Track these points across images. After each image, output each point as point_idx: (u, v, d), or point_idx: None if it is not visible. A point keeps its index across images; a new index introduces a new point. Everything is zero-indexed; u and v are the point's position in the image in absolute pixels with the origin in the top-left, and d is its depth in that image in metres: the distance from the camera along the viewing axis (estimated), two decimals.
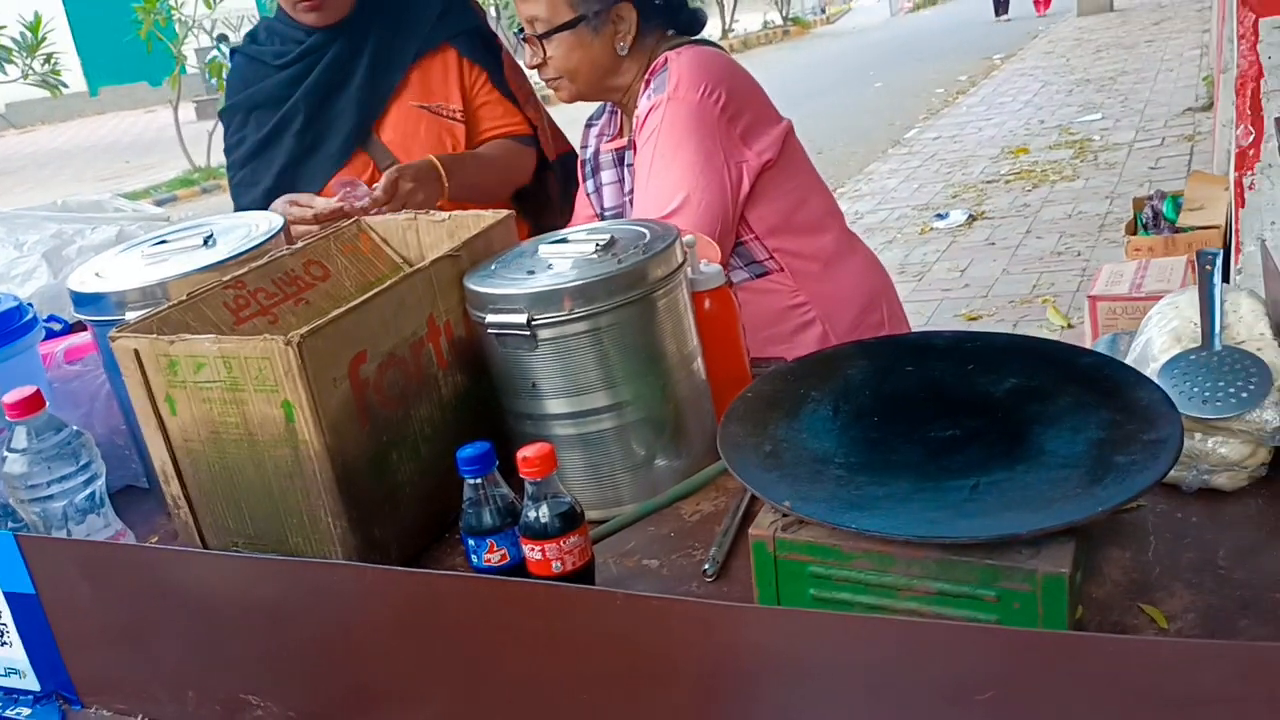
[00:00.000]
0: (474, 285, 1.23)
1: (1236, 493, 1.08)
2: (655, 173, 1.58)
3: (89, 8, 20.42)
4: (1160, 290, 3.33)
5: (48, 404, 1.06)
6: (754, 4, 22.90)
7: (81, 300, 1.36)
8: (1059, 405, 0.99)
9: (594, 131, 1.81)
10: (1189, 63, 10.69)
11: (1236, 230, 2.11)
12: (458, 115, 1.94)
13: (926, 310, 5.03)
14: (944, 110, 10.97)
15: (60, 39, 17.12)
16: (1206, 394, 1.08)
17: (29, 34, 15.00)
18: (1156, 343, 1.18)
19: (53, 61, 15.53)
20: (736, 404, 1.07)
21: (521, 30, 1.65)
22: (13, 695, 1.07)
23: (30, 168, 16.84)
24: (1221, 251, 1.24)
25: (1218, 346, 1.12)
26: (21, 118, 22.42)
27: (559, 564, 0.99)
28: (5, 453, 1.05)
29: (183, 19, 12.79)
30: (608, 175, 1.72)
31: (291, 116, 1.96)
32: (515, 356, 1.21)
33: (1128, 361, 1.12)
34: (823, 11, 27.12)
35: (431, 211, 1.48)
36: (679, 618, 0.77)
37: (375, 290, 1.18)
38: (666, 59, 1.60)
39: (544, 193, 2.15)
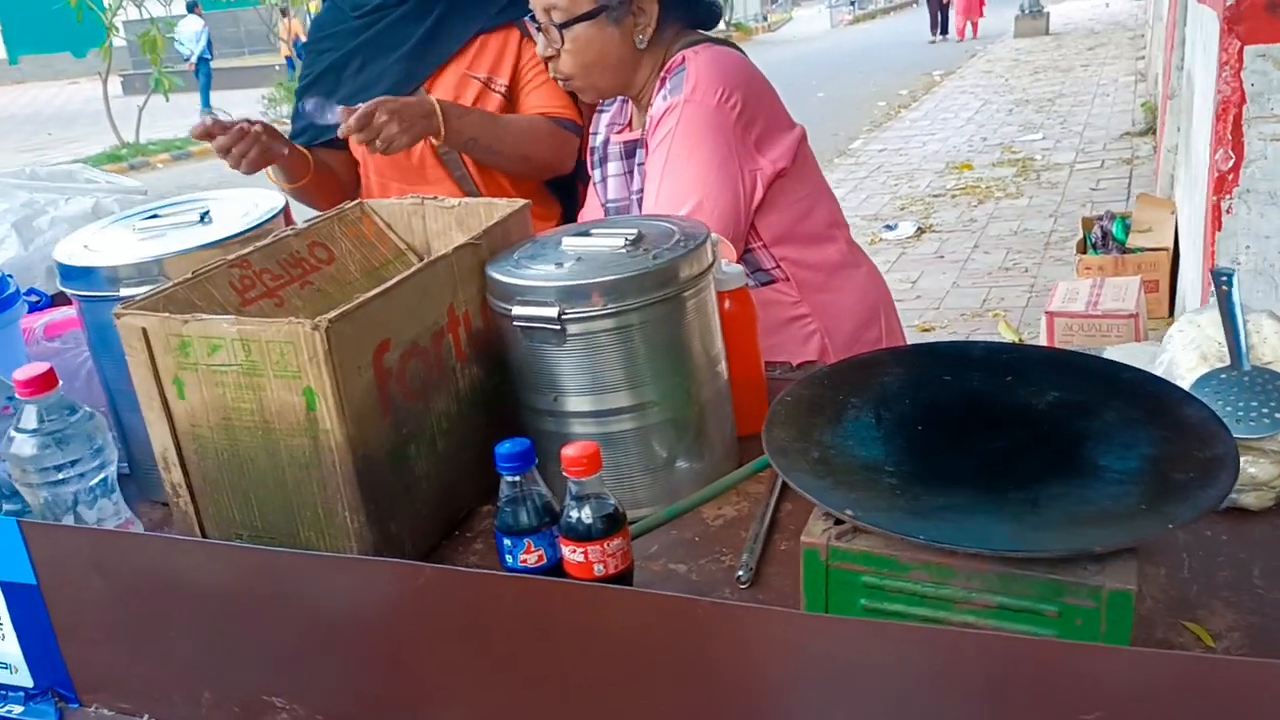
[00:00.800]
0: (501, 275, 1.18)
1: (1263, 512, 1.10)
2: (668, 176, 1.54)
3: None
4: (1117, 309, 3.41)
5: (60, 383, 0.99)
6: None
7: (71, 273, 1.29)
8: (1106, 421, 0.99)
9: (604, 119, 1.76)
10: (1124, 88, 11.01)
11: (1212, 253, 2.16)
12: (502, 89, 1.97)
13: None
14: (887, 123, 11.13)
15: None
16: (1240, 413, 1.08)
17: None
18: (1183, 361, 1.18)
19: None
20: (777, 408, 1.04)
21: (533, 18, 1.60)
22: (4, 692, 1.00)
23: None
24: (1236, 270, 1.26)
25: (1246, 366, 1.13)
26: None
27: (601, 566, 0.96)
28: (13, 433, 0.98)
29: None
30: (614, 167, 1.68)
31: (347, 61, 2.05)
32: (540, 351, 1.17)
33: None
34: (765, 19, 27.35)
35: (440, 197, 1.43)
36: (755, 625, 0.74)
37: (400, 276, 1.13)
38: (684, 58, 1.57)
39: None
